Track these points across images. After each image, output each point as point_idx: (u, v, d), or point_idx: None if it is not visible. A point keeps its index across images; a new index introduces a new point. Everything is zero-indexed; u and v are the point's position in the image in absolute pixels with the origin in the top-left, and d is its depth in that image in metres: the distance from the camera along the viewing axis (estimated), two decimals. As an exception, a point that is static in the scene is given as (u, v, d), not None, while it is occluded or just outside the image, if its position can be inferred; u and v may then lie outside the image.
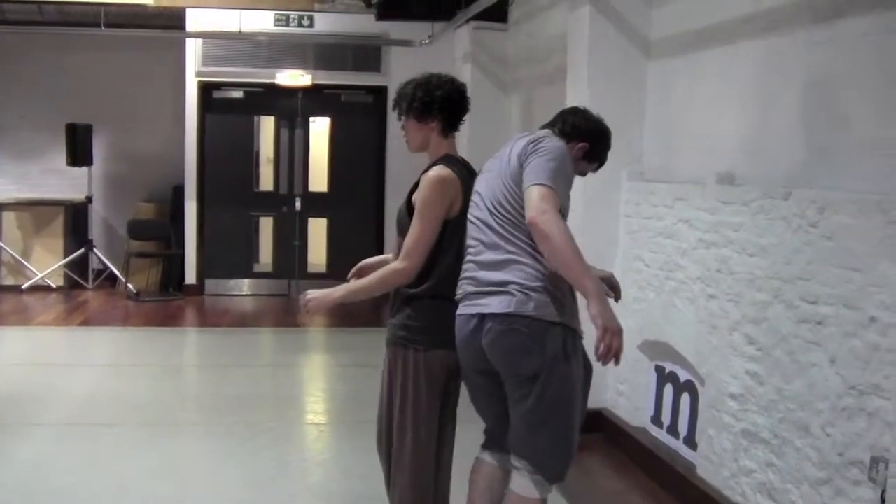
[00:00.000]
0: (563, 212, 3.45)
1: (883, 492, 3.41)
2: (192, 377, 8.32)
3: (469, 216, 3.62)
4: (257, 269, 12.46)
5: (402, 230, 3.66)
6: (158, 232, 12.31)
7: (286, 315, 11.05)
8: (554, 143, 3.54)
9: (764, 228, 4.46)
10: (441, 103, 3.68)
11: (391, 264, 3.61)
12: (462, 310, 3.54)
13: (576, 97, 6.29)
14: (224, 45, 11.87)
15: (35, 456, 5.76)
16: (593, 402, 6.23)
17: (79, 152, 11.87)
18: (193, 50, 11.86)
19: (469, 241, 3.60)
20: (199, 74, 11.91)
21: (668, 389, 5.69)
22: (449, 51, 10.59)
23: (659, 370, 5.81)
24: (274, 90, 11.97)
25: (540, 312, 3.36)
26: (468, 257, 3.57)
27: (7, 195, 12.48)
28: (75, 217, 12.47)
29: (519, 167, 3.46)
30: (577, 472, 5.71)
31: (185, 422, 6.63)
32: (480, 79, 9.61)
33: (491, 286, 3.44)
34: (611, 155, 6.04)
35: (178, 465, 5.66)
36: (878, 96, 3.96)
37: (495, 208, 3.50)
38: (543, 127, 3.89)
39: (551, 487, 3.61)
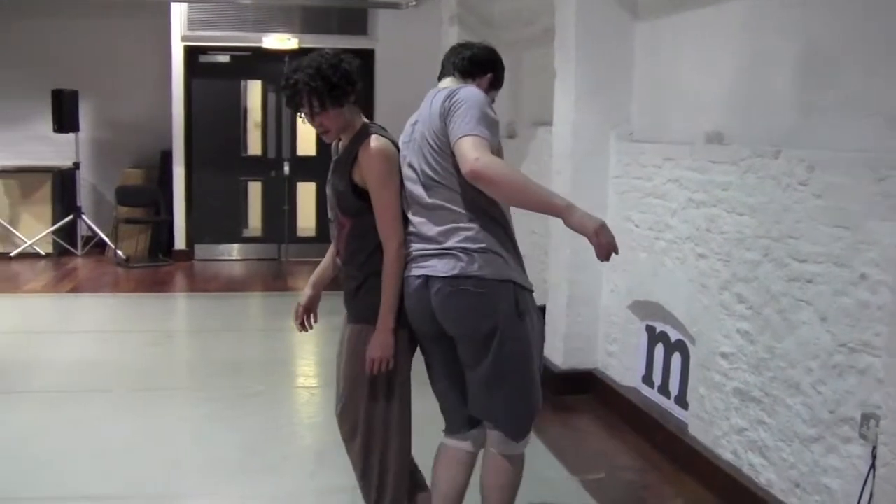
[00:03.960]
0: (498, 155, 3.35)
1: (874, 448, 3.43)
2: (182, 342, 8.31)
3: (405, 185, 3.53)
4: (246, 233, 12.44)
5: (348, 210, 3.58)
6: (147, 198, 12.25)
7: (275, 279, 11.05)
8: (468, 91, 3.41)
9: (753, 187, 4.46)
10: (352, 77, 3.54)
11: (387, 256, 3.48)
12: (408, 271, 3.49)
13: (563, 59, 6.27)
14: (210, 8, 11.78)
15: (24, 423, 5.77)
16: (584, 362, 6.31)
17: (65, 119, 11.80)
18: (179, 14, 11.77)
19: (408, 209, 3.52)
20: (184, 39, 11.83)
21: (659, 349, 5.71)
22: (435, 13, 10.52)
23: (650, 330, 5.82)
24: (260, 54, 11.91)
25: (486, 272, 3.32)
26: (410, 223, 3.51)
27: (-7, 162, 12.42)
28: (63, 184, 12.41)
29: (443, 126, 3.35)
30: (568, 433, 5.74)
31: (176, 387, 6.63)
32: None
33: (435, 248, 3.40)
34: (600, 116, 6.10)
35: (170, 429, 5.67)
36: (864, 53, 3.95)
37: (427, 175, 3.42)
38: (441, 77, 3.78)
39: (524, 443, 3.58)
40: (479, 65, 3.72)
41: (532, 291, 3.51)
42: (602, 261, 3.29)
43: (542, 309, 6.66)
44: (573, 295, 6.28)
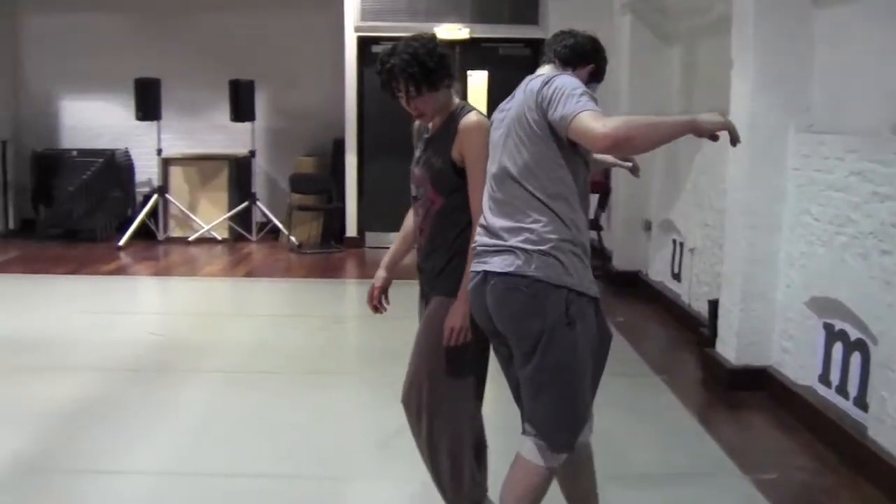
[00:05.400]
0: None
1: None
2: (352, 328, 8.44)
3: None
4: (416, 222, 12.51)
5: (442, 187, 3.63)
6: (319, 185, 12.50)
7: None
8: (565, 77, 3.30)
9: (944, 181, 4.27)
10: (447, 61, 3.59)
11: (475, 229, 3.49)
12: (472, 266, 3.46)
13: (741, 47, 6.13)
14: (382, -1, 11.97)
15: (201, 400, 5.98)
16: (758, 359, 6.15)
17: (242, 108, 12.14)
18: (352, 5, 11.96)
19: (483, 197, 3.48)
20: (357, 29, 12.01)
21: (838, 348, 5.52)
22: (608, 2, 10.42)
23: (828, 328, 5.63)
24: (432, 44, 11.95)
25: (542, 274, 3.22)
26: (482, 213, 3.47)
27: (174, 150, 12.85)
28: (239, 171, 12.77)
29: (539, 116, 3.24)
30: (740, 430, 5.63)
31: (346, 371, 6.76)
32: (640, 30, 9.42)
33: (498, 245, 3.32)
34: (778, 106, 5.93)
35: (339, 413, 5.79)
36: None
37: (504, 168, 3.34)
38: (541, 63, 3.69)
39: (559, 457, 3.42)
40: (580, 55, 3.61)
41: (594, 298, 3.38)
42: (738, 144, 3.20)
43: (715, 303, 6.58)
44: (747, 290, 6.13)
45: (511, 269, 3.26)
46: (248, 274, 10.57)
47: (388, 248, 4.22)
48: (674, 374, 6.62)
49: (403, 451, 5.06)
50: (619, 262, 9.83)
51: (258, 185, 12.92)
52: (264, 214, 12.59)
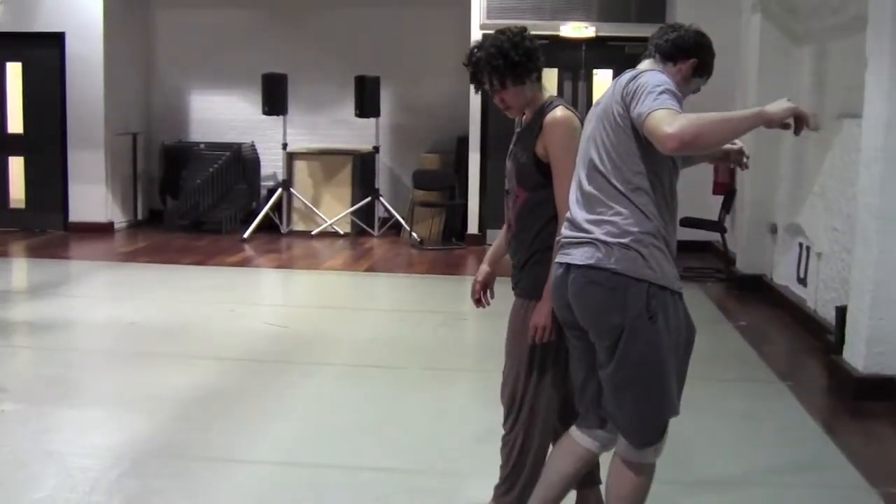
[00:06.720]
0: None
1: None
2: (471, 324, 8.45)
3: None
4: (536, 220, 12.47)
5: (526, 183, 3.63)
6: (442, 182, 12.55)
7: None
8: (652, 76, 3.23)
9: None
10: (534, 55, 3.58)
11: (560, 227, 3.48)
12: (555, 259, 3.43)
13: (877, 47, 5.96)
14: (509, -4, 11.97)
15: (321, 393, 6.09)
16: (887, 367, 5.98)
17: (366, 104, 12.24)
18: (479, 2, 11.98)
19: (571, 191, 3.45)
20: (483, 27, 11.99)
21: (972, 359, 5.35)
22: (737, 0, 10.25)
23: (961, 338, 5.46)
24: (558, 42, 11.91)
25: (622, 267, 3.19)
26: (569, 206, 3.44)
27: (299, 145, 13.04)
28: (362, 167, 12.90)
29: (623, 110, 3.21)
30: (868, 441, 5.49)
31: (466, 367, 6.77)
32: (769, 30, 9.24)
33: (581, 237, 3.30)
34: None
35: (456, 407, 5.83)
36: None
37: (591, 161, 3.32)
38: (643, 57, 3.58)
39: (645, 453, 3.38)
40: (681, 49, 3.48)
41: (676, 292, 3.30)
42: (813, 131, 3.17)
43: (843, 310, 6.42)
44: (878, 296, 5.96)
45: (591, 261, 3.25)
46: (370, 269, 10.68)
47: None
48: (798, 381, 6.47)
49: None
50: (743, 265, 9.67)
51: (381, 181, 13.04)
52: (387, 210, 12.69)
